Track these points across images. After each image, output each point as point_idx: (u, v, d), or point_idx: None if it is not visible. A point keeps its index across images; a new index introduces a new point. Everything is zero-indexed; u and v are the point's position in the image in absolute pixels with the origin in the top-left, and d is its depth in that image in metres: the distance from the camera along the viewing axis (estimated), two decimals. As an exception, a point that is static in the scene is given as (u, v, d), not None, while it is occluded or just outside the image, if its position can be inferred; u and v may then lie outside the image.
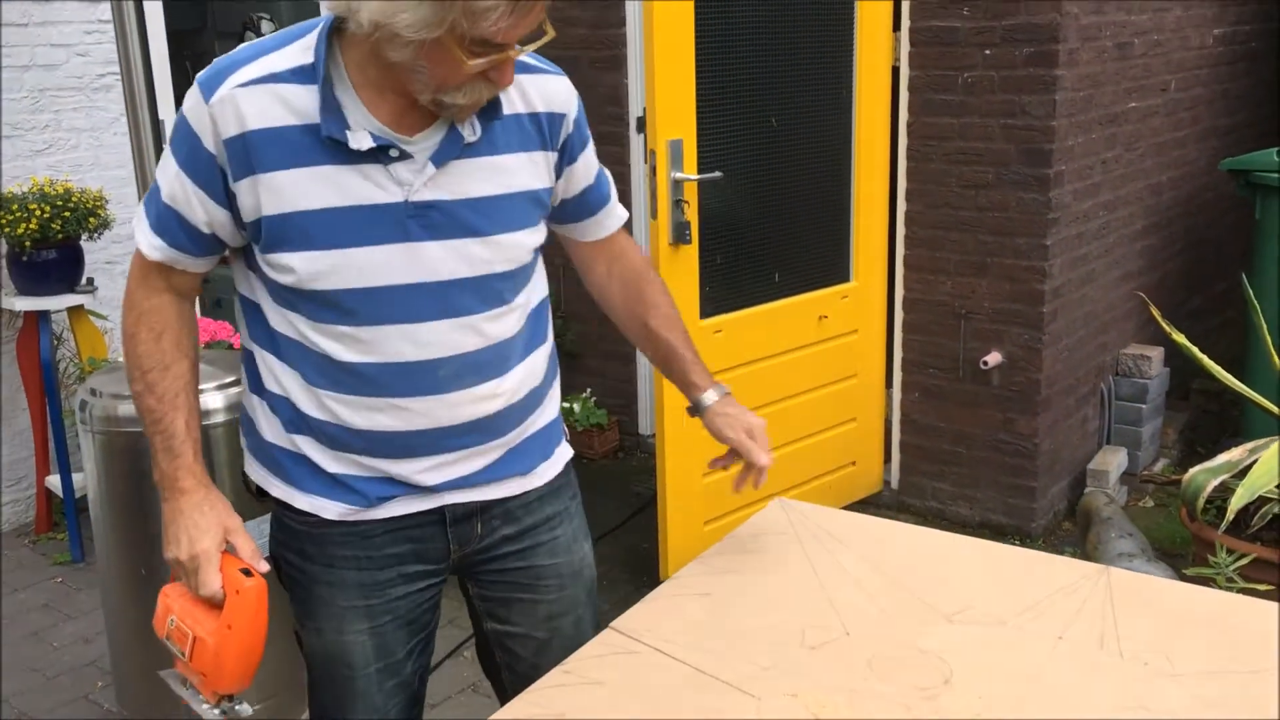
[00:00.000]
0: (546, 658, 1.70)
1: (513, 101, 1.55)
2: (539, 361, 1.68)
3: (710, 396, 1.80)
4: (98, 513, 2.59)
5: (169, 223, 1.52)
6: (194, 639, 1.52)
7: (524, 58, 1.52)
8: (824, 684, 1.38)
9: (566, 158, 1.65)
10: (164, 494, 1.57)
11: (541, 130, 1.59)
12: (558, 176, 1.64)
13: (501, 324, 1.59)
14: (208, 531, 1.53)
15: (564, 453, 1.76)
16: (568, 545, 1.76)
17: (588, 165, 1.70)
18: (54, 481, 3.89)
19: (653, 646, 1.48)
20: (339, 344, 1.52)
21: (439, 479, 1.61)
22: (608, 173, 1.78)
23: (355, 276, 1.48)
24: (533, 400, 1.68)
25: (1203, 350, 3.28)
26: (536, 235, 1.62)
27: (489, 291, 1.57)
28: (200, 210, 1.49)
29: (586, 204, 1.74)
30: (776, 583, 1.64)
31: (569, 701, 1.37)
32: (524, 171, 1.57)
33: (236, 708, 1.54)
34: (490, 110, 1.51)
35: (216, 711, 1.54)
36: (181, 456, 1.56)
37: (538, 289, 1.68)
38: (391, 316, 1.51)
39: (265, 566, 1.56)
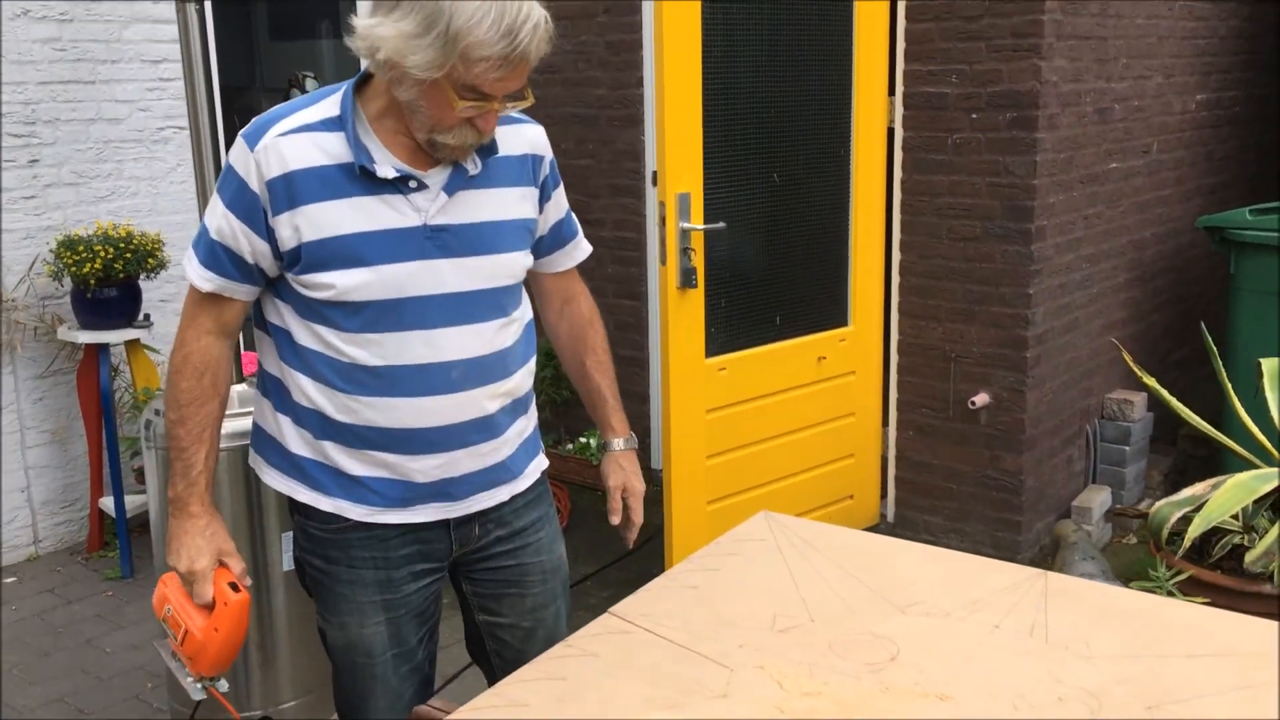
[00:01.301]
0: (531, 644, 1.93)
1: (507, 144, 1.81)
2: (529, 372, 1.92)
3: (618, 444, 2.09)
4: (157, 524, 2.79)
5: (218, 256, 1.73)
6: (185, 630, 1.77)
7: (512, 112, 1.77)
8: (788, 659, 1.55)
9: (545, 194, 1.90)
10: (173, 512, 1.79)
11: (528, 169, 1.85)
12: (539, 210, 1.90)
13: (504, 334, 1.82)
14: (206, 552, 1.78)
15: (542, 463, 2.00)
16: (550, 545, 1.99)
17: (559, 203, 1.96)
18: (107, 503, 4.07)
19: (643, 628, 1.65)
20: (364, 350, 1.73)
21: (445, 475, 1.81)
22: (574, 214, 2.05)
23: (383, 289, 1.71)
24: (523, 405, 1.91)
25: (1190, 398, 3.40)
26: (528, 258, 1.87)
27: (492, 303, 1.80)
28: (245, 242, 1.71)
29: (560, 236, 1.99)
30: (755, 578, 1.80)
31: (569, 669, 1.55)
32: (516, 202, 1.83)
33: (215, 684, 1.81)
34: (489, 148, 1.77)
35: (198, 685, 1.80)
36: (196, 485, 1.78)
37: (528, 309, 1.92)
38: (411, 323, 1.73)
39: (249, 581, 1.80)
